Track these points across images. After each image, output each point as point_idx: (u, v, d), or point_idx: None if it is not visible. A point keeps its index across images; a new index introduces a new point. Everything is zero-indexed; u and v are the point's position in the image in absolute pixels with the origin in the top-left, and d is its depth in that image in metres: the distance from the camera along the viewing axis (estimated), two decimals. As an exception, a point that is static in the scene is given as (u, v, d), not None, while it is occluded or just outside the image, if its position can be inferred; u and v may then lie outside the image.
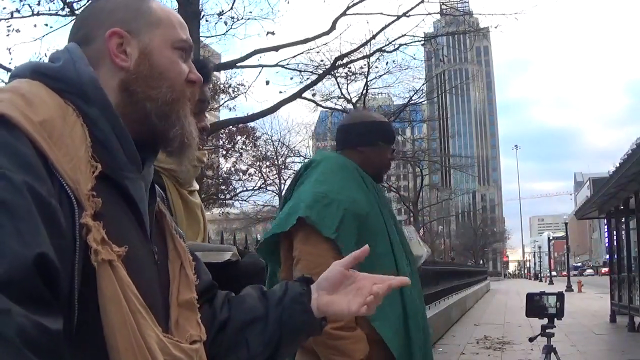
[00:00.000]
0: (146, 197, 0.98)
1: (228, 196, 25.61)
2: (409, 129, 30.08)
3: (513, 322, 12.51)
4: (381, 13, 14.17)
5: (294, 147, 28.01)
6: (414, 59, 19.16)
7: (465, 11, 17.55)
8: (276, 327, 1.09)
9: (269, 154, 27.28)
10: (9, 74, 0.96)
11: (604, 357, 8.50)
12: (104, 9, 0.98)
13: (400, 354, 1.98)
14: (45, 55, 10.33)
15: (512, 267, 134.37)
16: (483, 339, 10.42)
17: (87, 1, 9.60)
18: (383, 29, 14.34)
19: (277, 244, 2.14)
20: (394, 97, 24.30)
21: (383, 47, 15.32)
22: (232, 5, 12.56)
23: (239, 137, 24.40)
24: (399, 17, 13.97)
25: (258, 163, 26.55)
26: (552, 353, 4.67)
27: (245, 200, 27.12)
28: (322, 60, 14.96)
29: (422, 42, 16.59)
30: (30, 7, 11.12)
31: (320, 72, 14.53)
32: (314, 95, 15.96)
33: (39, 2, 11.14)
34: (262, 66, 13.04)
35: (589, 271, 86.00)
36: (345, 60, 14.99)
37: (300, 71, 14.53)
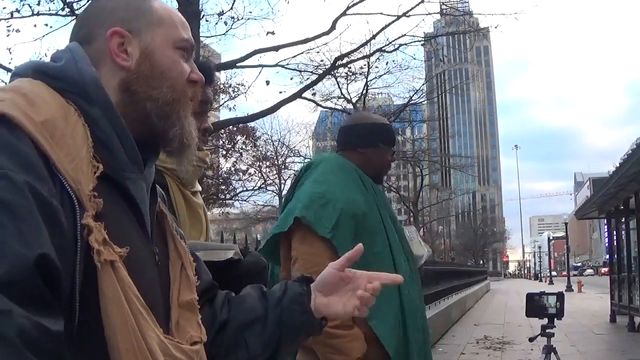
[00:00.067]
0: (147, 197, 0.97)
1: (228, 196, 25.60)
2: (409, 129, 30.08)
3: (513, 322, 12.51)
4: (381, 13, 14.16)
5: (294, 147, 28.06)
6: (414, 59, 19.17)
7: (465, 11, 17.53)
8: (275, 328, 1.09)
9: (269, 154, 27.29)
10: (11, 73, 0.95)
11: (604, 357, 8.49)
12: (105, 8, 0.98)
13: (396, 353, 2.00)
14: (46, 55, 10.37)
15: (512, 267, 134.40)
16: (483, 339, 10.42)
17: (87, 1, 9.61)
18: (383, 29, 14.33)
19: (277, 244, 2.18)
20: (394, 97, 24.32)
21: (383, 47, 15.31)
22: (232, 5, 12.56)
23: (239, 137, 24.39)
24: (399, 17, 13.96)
25: (258, 163, 26.55)
26: (552, 353, 4.67)
27: (245, 200, 27.16)
28: (322, 60, 14.97)
29: (422, 42, 16.57)
30: (30, 7, 11.12)
31: (320, 72, 14.52)
32: (314, 95, 15.96)
33: (39, 2, 11.13)
34: (262, 66, 13.04)
35: (589, 271, 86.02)
36: (345, 60, 14.97)
37: (300, 71, 14.53)
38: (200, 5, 10.74)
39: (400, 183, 53.55)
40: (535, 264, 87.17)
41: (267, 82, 13.55)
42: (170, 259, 1.02)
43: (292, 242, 2.08)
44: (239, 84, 19.19)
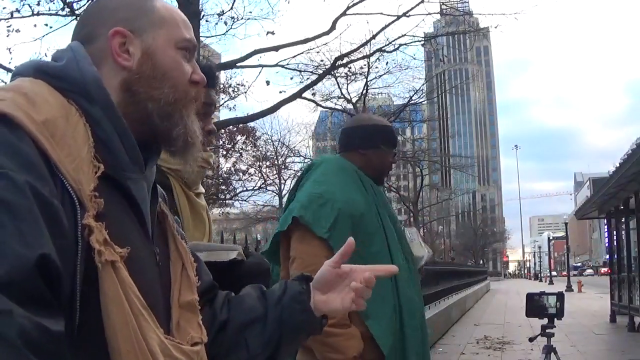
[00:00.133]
0: (148, 197, 0.97)
1: (228, 196, 25.60)
2: (409, 129, 30.06)
3: (513, 322, 12.51)
4: (381, 13, 14.16)
5: (294, 147, 28.08)
6: (414, 59, 19.19)
7: (465, 11, 17.52)
8: (276, 327, 1.09)
9: (269, 154, 27.32)
10: (12, 72, 0.95)
11: (604, 357, 8.49)
12: (107, 7, 0.97)
13: (391, 352, 2.02)
14: (46, 55, 10.36)
15: (512, 267, 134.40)
16: (483, 339, 10.42)
17: (88, 1, 9.62)
18: (383, 29, 14.33)
19: (278, 244, 2.21)
20: (394, 97, 24.32)
21: (383, 47, 15.31)
22: (232, 5, 12.55)
23: (239, 137, 24.40)
24: (399, 17, 13.96)
25: (258, 163, 26.56)
26: (552, 353, 4.67)
27: (245, 200, 27.16)
28: (322, 60, 14.98)
29: (422, 42, 16.57)
30: (30, 7, 11.11)
31: (320, 72, 14.52)
32: (314, 95, 15.96)
33: (39, 2, 11.13)
34: (262, 66, 13.03)
35: (589, 271, 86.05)
36: (345, 60, 14.97)
37: (300, 71, 14.53)
38: (200, 5, 10.74)
39: (400, 183, 53.57)
40: (535, 264, 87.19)
41: (267, 82, 13.53)
42: (171, 260, 1.01)
43: (291, 241, 2.11)
44: (239, 84, 19.21)
